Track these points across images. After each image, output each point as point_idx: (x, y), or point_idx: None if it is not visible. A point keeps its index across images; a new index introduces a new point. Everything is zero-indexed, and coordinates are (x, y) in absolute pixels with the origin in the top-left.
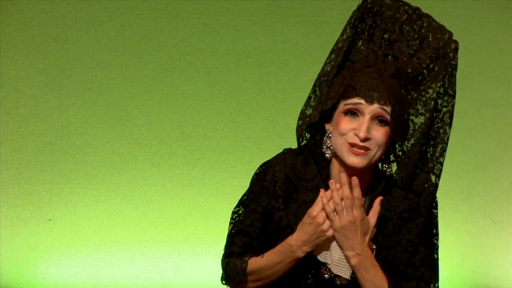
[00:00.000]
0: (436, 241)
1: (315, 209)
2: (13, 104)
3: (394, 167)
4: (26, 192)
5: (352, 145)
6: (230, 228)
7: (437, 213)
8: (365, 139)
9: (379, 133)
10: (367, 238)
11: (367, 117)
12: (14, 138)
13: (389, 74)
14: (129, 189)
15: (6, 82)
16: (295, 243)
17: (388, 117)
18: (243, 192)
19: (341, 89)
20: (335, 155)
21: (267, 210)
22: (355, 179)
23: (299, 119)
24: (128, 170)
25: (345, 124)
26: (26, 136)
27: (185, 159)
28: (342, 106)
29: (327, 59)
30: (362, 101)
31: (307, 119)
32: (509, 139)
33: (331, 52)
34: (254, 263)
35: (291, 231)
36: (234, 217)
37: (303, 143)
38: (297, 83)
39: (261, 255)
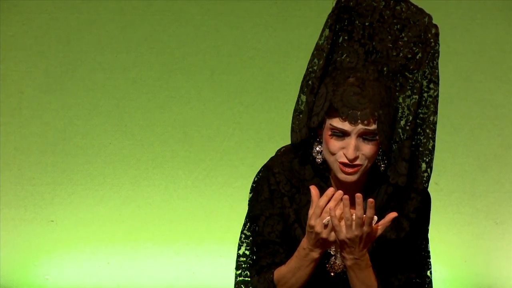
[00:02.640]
0: (427, 231)
1: (312, 219)
2: (16, 105)
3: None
4: (28, 193)
5: (343, 164)
6: (246, 247)
7: (429, 208)
8: (354, 159)
9: (368, 148)
10: (368, 245)
11: (353, 137)
12: (16, 139)
13: (372, 80)
14: (132, 190)
15: (8, 84)
16: (307, 247)
17: (374, 131)
18: (246, 193)
19: (325, 106)
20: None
21: (282, 212)
22: (359, 196)
23: (293, 124)
24: (131, 171)
25: (333, 144)
26: (28, 137)
27: (188, 160)
28: (328, 125)
29: (309, 63)
30: (346, 123)
31: (298, 134)
32: (511, 140)
33: (313, 56)
34: (279, 272)
35: (300, 226)
36: (247, 235)
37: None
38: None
39: (284, 264)
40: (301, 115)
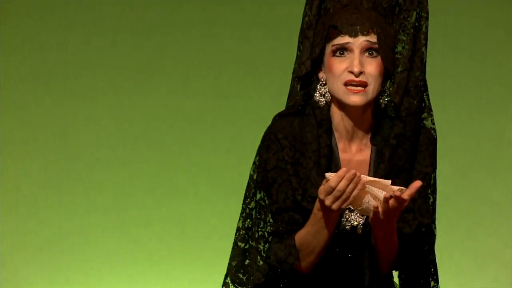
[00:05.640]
0: (433, 176)
1: (322, 194)
2: (13, 202)
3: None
4: None
5: (349, 83)
6: (252, 219)
7: (434, 148)
8: (360, 73)
9: (372, 66)
10: (397, 217)
11: (356, 52)
12: (13, 237)
13: (367, 9)
14: None
15: (5, 180)
16: (318, 212)
17: (376, 46)
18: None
19: (324, 33)
20: (332, 101)
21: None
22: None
23: (293, 73)
24: (128, 269)
25: (337, 65)
26: (25, 235)
27: (185, 259)
28: (330, 48)
29: (303, 13)
30: (346, 37)
31: (302, 67)
32: None
33: (306, 5)
34: (299, 237)
35: (303, 193)
36: (257, 207)
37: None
38: None
39: (303, 228)
40: (300, 59)
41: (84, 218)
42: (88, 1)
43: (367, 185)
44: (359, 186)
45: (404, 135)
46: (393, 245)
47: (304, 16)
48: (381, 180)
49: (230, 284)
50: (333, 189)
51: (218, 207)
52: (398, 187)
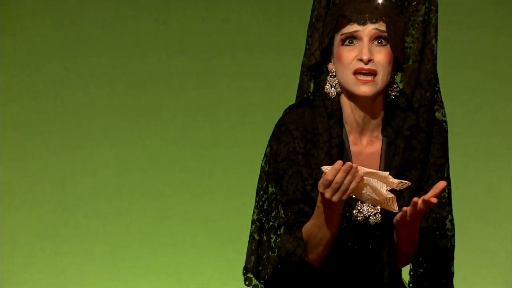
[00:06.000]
0: (447, 168)
1: (321, 187)
2: (9, 253)
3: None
4: None
5: (358, 71)
6: (264, 211)
7: (446, 140)
8: (369, 60)
9: (381, 54)
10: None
11: (365, 39)
12: (10, 287)
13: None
14: None
15: (2, 230)
16: (321, 204)
17: (385, 34)
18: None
19: (333, 22)
20: (343, 92)
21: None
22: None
23: (302, 67)
24: None
25: (347, 54)
26: (22, 285)
27: None
28: (339, 37)
29: (312, 7)
30: (355, 25)
31: (312, 57)
32: None
33: (314, 0)
34: (305, 229)
35: (314, 184)
36: (269, 199)
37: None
38: None
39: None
40: (310, 51)
41: (81, 268)
42: (85, 51)
43: (365, 177)
44: (357, 179)
45: (418, 125)
46: (415, 242)
47: (313, 11)
48: (379, 172)
49: (252, 278)
50: (330, 182)
51: (215, 257)
52: (398, 181)
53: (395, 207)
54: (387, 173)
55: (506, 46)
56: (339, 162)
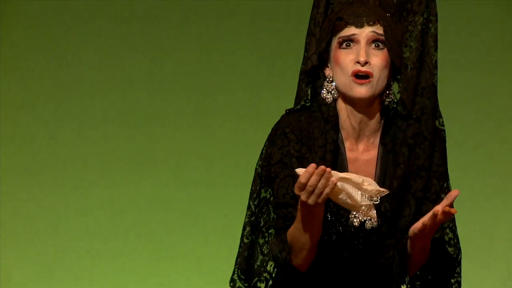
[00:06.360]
0: (448, 174)
1: (296, 190)
2: None
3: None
4: None
5: (355, 73)
6: (255, 214)
7: (445, 148)
8: (365, 63)
9: (378, 58)
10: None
11: (362, 42)
12: None
13: (373, 6)
14: None
15: None
16: (301, 207)
17: (382, 38)
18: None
19: (331, 26)
20: (339, 97)
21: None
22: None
23: (300, 75)
24: None
25: (344, 57)
26: None
27: None
28: (336, 41)
29: (310, 15)
30: (353, 28)
31: (309, 61)
32: None
33: (313, 7)
34: (289, 233)
35: None
36: (261, 202)
37: (306, 100)
38: None
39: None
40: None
41: None
42: (80, 91)
43: (340, 182)
44: (331, 184)
45: (421, 134)
46: (428, 251)
47: (311, 19)
48: (353, 177)
49: (237, 280)
50: (304, 185)
51: None
52: (375, 188)
53: (372, 214)
54: (361, 178)
55: (501, 86)
56: (312, 165)
